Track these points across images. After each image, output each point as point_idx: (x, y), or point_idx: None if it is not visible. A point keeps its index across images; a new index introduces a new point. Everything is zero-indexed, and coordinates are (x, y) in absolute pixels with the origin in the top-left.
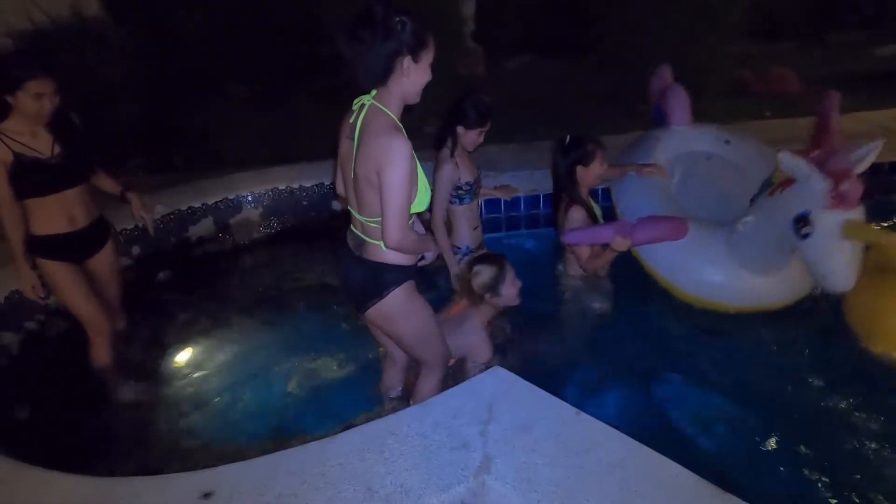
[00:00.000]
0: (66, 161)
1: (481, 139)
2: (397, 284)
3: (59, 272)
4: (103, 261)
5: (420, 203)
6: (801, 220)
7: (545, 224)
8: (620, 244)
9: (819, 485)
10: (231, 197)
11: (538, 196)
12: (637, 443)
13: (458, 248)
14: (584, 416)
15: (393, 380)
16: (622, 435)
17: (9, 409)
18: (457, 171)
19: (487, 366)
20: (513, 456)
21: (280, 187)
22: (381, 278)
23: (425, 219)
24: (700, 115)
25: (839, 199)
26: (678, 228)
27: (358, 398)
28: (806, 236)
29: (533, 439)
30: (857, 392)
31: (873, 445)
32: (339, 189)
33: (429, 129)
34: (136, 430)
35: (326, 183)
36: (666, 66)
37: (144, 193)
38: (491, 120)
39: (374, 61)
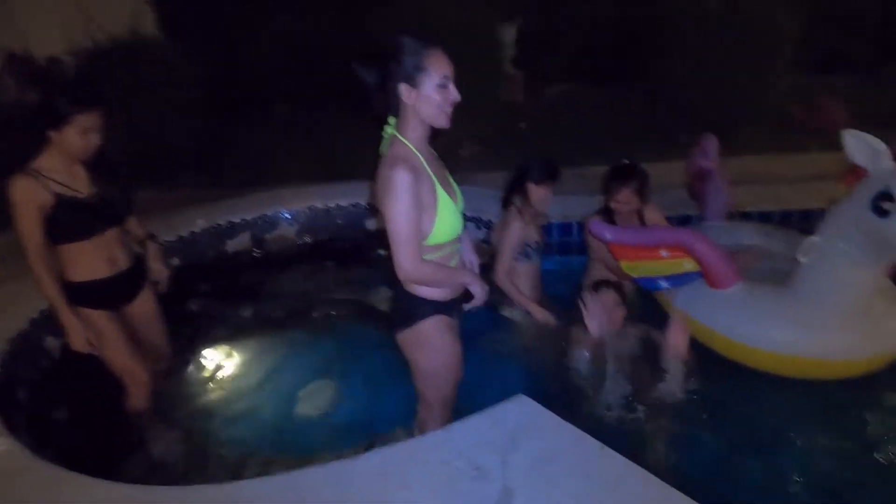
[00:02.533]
0: (105, 199)
1: (549, 197)
2: (423, 318)
3: (101, 322)
4: (145, 304)
5: (440, 233)
6: (882, 198)
7: (578, 251)
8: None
9: None
10: (269, 213)
11: (571, 224)
12: (661, 482)
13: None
14: (608, 451)
15: None
16: (647, 473)
17: (46, 415)
18: (526, 228)
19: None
20: (534, 489)
21: (317, 205)
22: (407, 309)
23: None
24: (744, 146)
25: None
26: (730, 275)
27: (384, 419)
28: (888, 212)
29: (554, 473)
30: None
31: None
32: None
33: (464, 152)
34: (165, 441)
35: (362, 203)
36: (712, 139)
37: (189, 207)
38: (559, 176)
39: (376, 95)
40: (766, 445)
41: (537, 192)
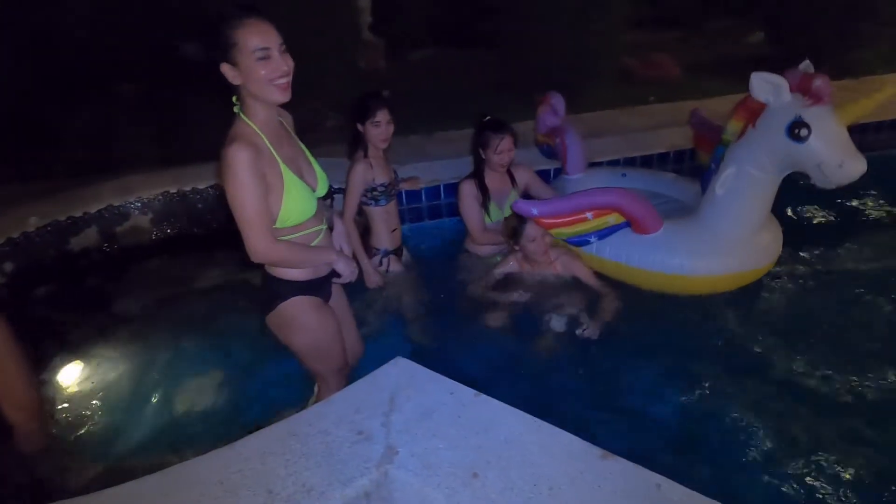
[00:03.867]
0: None
1: (387, 131)
2: (285, 298)
3: None
4: None
5: (290, 215)
6: (795, 126)
7: (448, 214)
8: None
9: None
10: (117, 204)
11: (439, 186)
12: (533, 417)
13: (378, 250)
14: (483, 396)
15: None
16: (519, 412)
17: None
18: (370, 171)
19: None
20: (414, 443)
21: (171, 191)
22: (270, 291)
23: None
24: (593, 102)
25: (817, 97)
26: (657, 220)
27: (264, 401)
28: (805, 137)
29: (434, 425)
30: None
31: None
32: None
33: (329, 123)
34: (29, 464)
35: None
36: (558, 96)
37: (18, 204)
38: (386, 108)
39: (213, 73)
40: (644, 378)
41: (369, 132)
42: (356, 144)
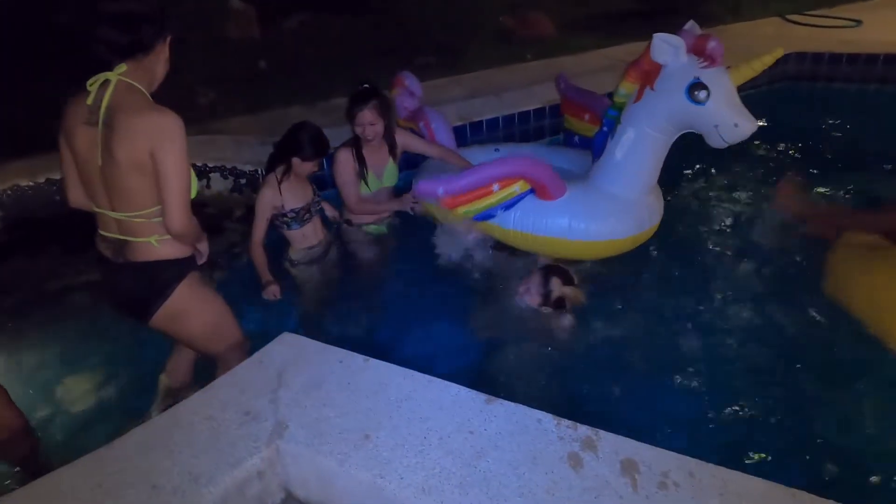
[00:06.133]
0: None
1: (316, 168)
2: (180, 280)
3: None
4: None
5: (192, 189)
6: (695, 87)
7: (332, 185)
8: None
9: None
10: None
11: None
12: (423, 374)
13: (294, 263)
14: (373, 361)
15: (182, 363)
16: (409, 371)
17: None
18: (278, 197)
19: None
20: (304, 415)
21: (22, 184)
22: (160, 278)
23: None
24: (472, 62)
25: (711, 59)
26: (562, 185)
27: (146, 397)
28: (705, 99)
29: (323, 394)
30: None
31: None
32: (74, 196)
33: (202, 100)
34: None
35: None
36: (410, 76)
37: None
38: (328, 150)
39: (138, 31)
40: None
41: (302, 167)
42: (274, 165)
